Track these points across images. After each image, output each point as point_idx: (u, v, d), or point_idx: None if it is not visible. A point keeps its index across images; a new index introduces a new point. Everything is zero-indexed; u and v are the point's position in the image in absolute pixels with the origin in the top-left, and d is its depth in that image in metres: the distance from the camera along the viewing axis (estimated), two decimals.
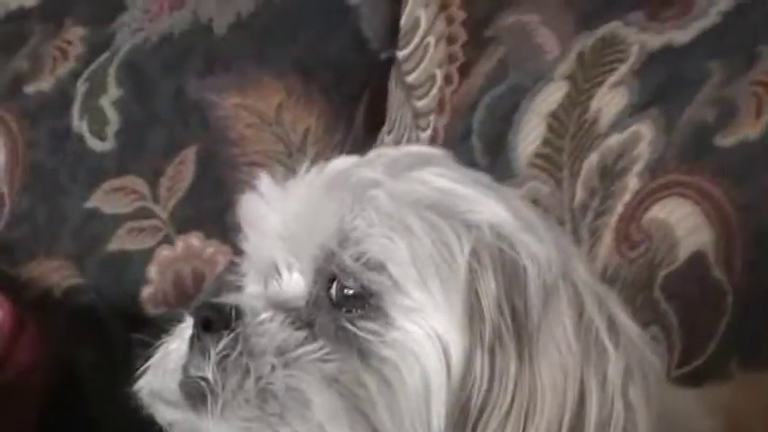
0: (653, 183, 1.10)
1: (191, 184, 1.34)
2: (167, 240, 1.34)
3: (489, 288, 0.73)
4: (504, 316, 0.73)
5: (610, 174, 1.12)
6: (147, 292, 1.34)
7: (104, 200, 1.37)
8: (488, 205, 0.76)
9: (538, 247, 0.75)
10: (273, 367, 0.73)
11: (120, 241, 1.35)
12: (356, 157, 0.81)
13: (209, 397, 0.73)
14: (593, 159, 1.14)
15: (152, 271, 1.34)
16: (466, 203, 0.76)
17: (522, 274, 0.74)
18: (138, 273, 1.34)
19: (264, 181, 0.80)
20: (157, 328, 0.80)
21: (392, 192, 0.76)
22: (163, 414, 0.77)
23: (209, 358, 0.74)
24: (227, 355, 0.74)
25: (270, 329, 0.74)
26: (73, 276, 1.36)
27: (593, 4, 1.21)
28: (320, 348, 0.74)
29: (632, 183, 1.11)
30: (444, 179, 0.77)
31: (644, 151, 1.11)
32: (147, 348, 0.79)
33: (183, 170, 1.34)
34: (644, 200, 1.10)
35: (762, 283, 1.03)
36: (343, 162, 0.80)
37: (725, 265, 1.04)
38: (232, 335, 0.74)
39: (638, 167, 1.11)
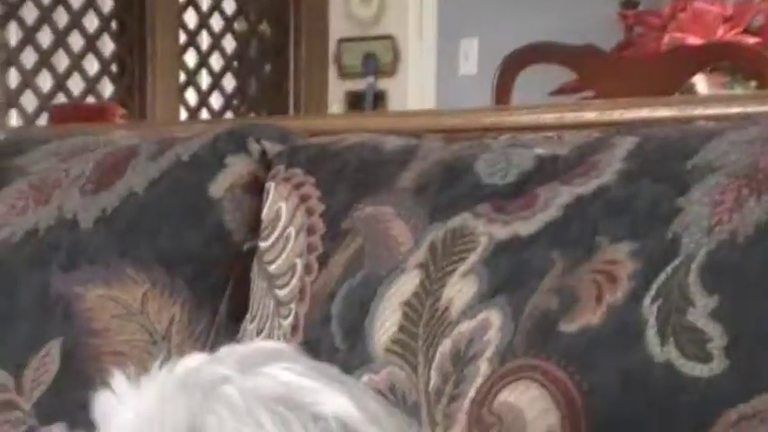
0: (503, 367, 1.12)
1: (55, 377, 1.33)
2: None
3: None
4: None
5: (462, 359, 1.15)
6: None
7: None
8: (334, 397, 0.79)
9: None
10: None
11: None
12: (206, 355, 0.83)
13: None
14: (446, 345, 1.16)
15: None
16: (312, 396, 0.79)
17: None
18: None
19: (117, 379, 0.82)
20: None
21: (242, 387, 0.78)
22: None
23: None
24: None
25: None
26: None
27: (444, 197, 1.25)
28: None
29: (483, 367, 1.13)
30: (292, 373, 0.80)
31: (493, 337, 1.14)
32: None
33: (47, 362, 1.34)
34: (494, 384, 1.12)
35: None
36: (194, 360, 0.82)
37: None
38: None
39: (488, 353, 1.13)
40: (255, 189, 1.37)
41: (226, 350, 0.83)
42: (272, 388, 0.78)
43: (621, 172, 1.18)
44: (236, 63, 5.39)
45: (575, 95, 3.14)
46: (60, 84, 4.72)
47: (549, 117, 1.54)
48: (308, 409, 0.77)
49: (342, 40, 5.86)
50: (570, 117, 1.53)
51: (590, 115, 1.51)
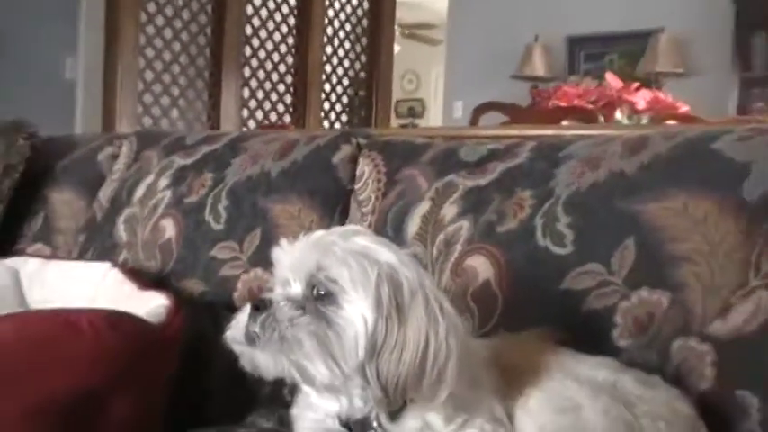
0: (467, 248, 1.10)
1: (258, 245, 1.32)
2: (245, 271, 1.31)
3: (385, 291, 0.74)
4: (392, 304, 0.74)
5: (449, 243, 1.13)
6: (236, 294, 1.31)
7: (217, 252, 1.35)
8: (386, 253, 0.77)
9: (408, 272, 0.76)
10: (287, 327, 0.73)
11: (225, 270, 1.33)
12: (324, 231, 0.81)
13: (257, 340, 0.73)
14: (441, 237, 1.14)
15: (241, 285, 1.31)
16: (376, 252, 0.77)
17: (401, 285, 0.75)
18: (232, 286, 1.31)
19: (283, 242, 0.81)
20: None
21: (342, 246, 0.77)
22: (235, 348, 0.77)
23: (256, 323, 0.74)
24: (264, 321, 0.74)
25: (285, 310, 0.74)
26: (203, 286, 1.34)
27: (443, 166, 1.22)
28: (308, 319, 0.74)
29: (458, 248, 1.11)
30: (366, 241, 0.78)
31: (464, 234, 1.12)
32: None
33: (254, 239, 1.33)
34: (463, 256, 1.10)
35: (516, 294, 1.03)
36: (318, 233, 0.80)
37: (498, 285, 1.05)
38: (267, 313, 0.74)
39: (461, 241, 1.12)
40: (354, 160, 1.35)
41: (335, 229, 0.82)
42: (356, 248, 0.77)
43: (528, 157, 1.15)
44: (348, 109, 5.33)
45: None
46: (266, 116, 4.72)
47: (496, 132, 1.51)
48: (373, 258, 0.76)
49: (398, 101, 5.80)
50: (504, 133, 1.49)
51: (514, 132, 1.47)
